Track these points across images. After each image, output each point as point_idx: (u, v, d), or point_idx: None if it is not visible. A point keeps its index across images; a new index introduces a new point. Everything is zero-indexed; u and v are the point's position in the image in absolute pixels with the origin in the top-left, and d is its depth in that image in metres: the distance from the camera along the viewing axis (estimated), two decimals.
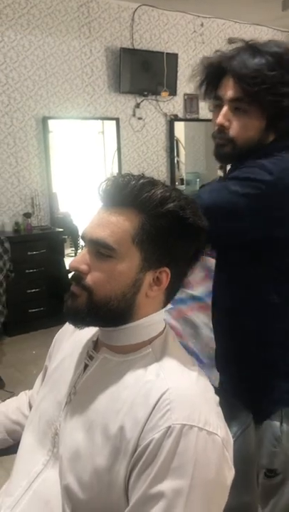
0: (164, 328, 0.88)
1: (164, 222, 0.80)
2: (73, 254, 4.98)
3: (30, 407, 1.11)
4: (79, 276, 0.82)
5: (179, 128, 5.30)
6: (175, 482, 0.68)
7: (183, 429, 0.70)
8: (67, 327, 1.02)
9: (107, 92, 4.62)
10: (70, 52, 4.36)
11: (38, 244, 4.00)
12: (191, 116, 5.18)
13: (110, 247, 0.79)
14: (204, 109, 5.19)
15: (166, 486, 0.68)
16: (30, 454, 0.89)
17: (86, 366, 0.89)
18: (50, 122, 4.34)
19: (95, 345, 0.91)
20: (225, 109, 1.11)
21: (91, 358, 0.89)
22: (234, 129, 1.10)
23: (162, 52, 4.75)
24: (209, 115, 1.23)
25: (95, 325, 0.88)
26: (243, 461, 0.85)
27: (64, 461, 0.81)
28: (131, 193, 0.80)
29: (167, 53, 4.77)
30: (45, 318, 3.87)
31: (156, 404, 0.73)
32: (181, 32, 5.00)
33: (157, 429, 0.71)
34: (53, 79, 4.29)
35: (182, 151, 5.64)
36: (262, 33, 5.51)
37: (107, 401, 0.80)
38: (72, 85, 4.40)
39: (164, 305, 0.88)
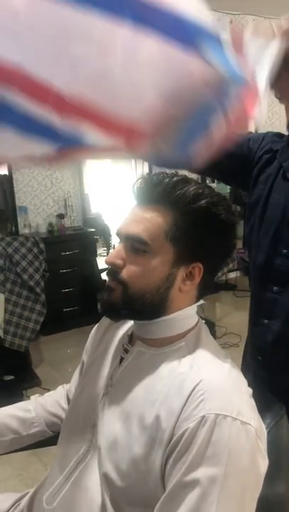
0: (198, 323, 0.90)
1: (196, 219, 0.82)
2: (105, 254, 5.03)
3: (68, 400, 1.15)
4: (114, 271, 0.85)
5: None
6: (210, 470, 0.69)
7: (217, 418, 0.71)
8: (103, 322, 1.05)
9: None
10: None
11: (71, 245, 4.06)
12: None
13: (145, 242, 0.81)
14: None
15: (201, 473, 0.70)
16: (70, 444, 0.92)
17: (122, 359, 0.91)
18: None
19: (130, 338, 0.94)
20: None
21: (126, 351, 0.91)
22: None
23: None
24: None
25: (130, 318, 0.91)
26: (276, 452, 0.86)
27: (102, 450, 0.84)
28: (164, 191, 0.82)
29: None
30: (78, 317, 3.93)
31: (190, 395, 0.75)
32: None
33: (192, 418, 0.73)
34: None
35: None
36: None
37: (142, 392, 0.83)
38: None
39: (197, 300, 0.90)
